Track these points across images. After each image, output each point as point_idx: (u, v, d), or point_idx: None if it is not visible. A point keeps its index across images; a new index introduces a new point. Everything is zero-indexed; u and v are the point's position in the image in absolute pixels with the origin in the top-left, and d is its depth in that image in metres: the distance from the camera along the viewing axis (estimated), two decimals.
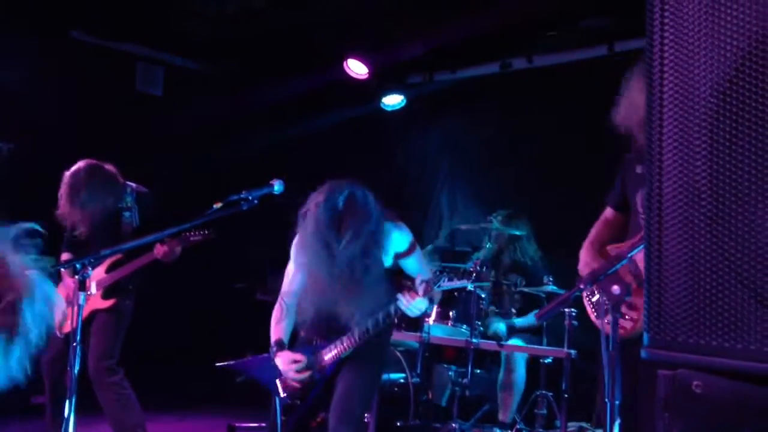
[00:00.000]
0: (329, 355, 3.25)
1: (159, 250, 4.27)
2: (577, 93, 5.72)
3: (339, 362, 3.25)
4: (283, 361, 3.25)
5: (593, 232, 3.16)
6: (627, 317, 2.71)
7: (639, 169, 2.92)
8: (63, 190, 4.35)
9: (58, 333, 4.53)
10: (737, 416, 1.33)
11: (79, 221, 4.37)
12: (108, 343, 4.28)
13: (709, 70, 1.35)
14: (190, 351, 6.66)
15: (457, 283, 3.10)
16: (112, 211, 4.38)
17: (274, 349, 3.30)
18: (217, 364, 3.87)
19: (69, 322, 4.33)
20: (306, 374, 3.26)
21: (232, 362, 3.65)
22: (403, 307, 3.09)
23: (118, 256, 4.31)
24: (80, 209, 4.32)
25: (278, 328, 3.37)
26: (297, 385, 3.28)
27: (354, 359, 3.23)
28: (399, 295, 3.09)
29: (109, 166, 4.46)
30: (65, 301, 4.54)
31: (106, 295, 4.34)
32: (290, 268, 3.45)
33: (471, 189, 7.07)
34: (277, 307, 3.45)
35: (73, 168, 4.40)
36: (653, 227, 1.41)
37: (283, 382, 3.33)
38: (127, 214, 4.41)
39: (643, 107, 2.70)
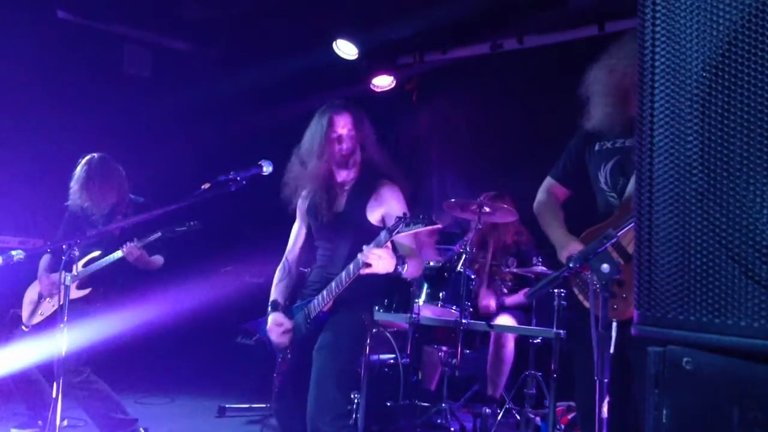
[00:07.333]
0: (313, 308, 3.21)
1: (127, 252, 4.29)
2: (567, 73, 5.69)
3: (320, 323, 3.18)
4: (270, 322, 3.28)
5: (550, 212, 3.18)
6: (619, 296, 2.66)
7: (598, 146, 2.92)
8: (77, 178, 4.47)
9: (23, 328, 4.52)
10: (727, 392, 1.33)
11: (92, 207, 4.47)
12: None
13: (702, 44, 1.33)
14: (180, 334, 6.65)
15: (413, 228, 2.86)
16: (111, 207, 4.47)
17: (269, 309, 3.33)
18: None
19: (38, 314, 4.42)
20: (286, 338, 3.25)
21: (251, 323, 3.68)
22: (361, 257, 2.95)
23: (97, 252, 4.36)
24: (93, 196, 4.43)
25: (276, 288, 3.42)
26: (282, 345, 3.29)
27: (331, 330, 3.15)
28: (364, 246, 2.96)
29: (118, 165, 4.58)
30: (38, 294, 4.54)
31: (80, 288, 4.36)
32: (295, 226, 3.52)
33: (460, 170, 7.06)
34: (279, 266, 3.48)
35: (87, 157, 4.52)
36: (644, 203, 1.40)
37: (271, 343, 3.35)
38: (119, 217, 4.44)
39: (603, 82, 2.76)
